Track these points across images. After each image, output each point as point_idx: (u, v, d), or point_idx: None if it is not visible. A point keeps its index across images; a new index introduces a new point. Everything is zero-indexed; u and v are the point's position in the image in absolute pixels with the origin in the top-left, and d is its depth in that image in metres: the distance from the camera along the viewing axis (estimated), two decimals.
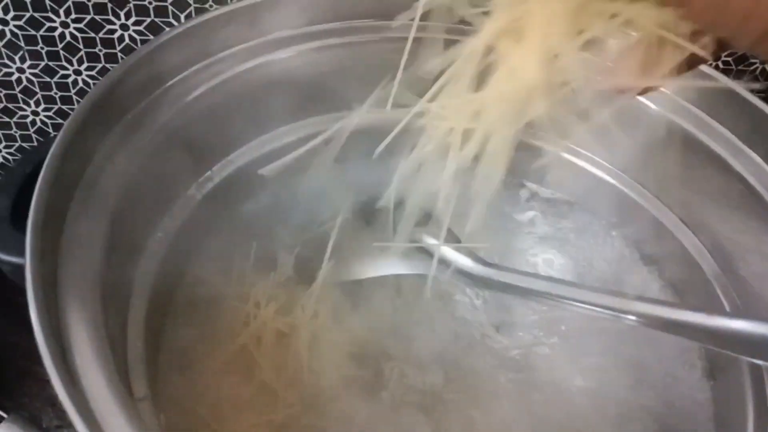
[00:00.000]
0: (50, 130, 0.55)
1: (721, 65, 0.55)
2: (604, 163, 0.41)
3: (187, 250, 0.35)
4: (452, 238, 0.36)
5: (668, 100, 0.37)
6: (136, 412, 0.24)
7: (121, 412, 0.23)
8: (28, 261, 0.25)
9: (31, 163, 0.46)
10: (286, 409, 0.32)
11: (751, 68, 0.56)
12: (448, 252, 0.35)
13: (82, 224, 0.28)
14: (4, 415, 0.39)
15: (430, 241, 0.36)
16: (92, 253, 0.28)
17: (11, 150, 0.57)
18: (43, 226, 0.25)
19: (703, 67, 0.36)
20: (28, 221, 0.26)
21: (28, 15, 0.48)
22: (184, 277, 0.35)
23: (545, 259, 0.39)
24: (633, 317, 0.31)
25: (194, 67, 0.35)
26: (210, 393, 0.31)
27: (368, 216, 0.38)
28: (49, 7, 0.47)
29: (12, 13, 0.47)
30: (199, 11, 0.48)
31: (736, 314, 0.33)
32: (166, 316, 0.33)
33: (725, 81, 0.35)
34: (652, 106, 0.37)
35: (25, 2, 0.47)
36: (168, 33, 0.33)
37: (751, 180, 0.34)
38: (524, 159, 0.42)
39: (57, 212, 0.27)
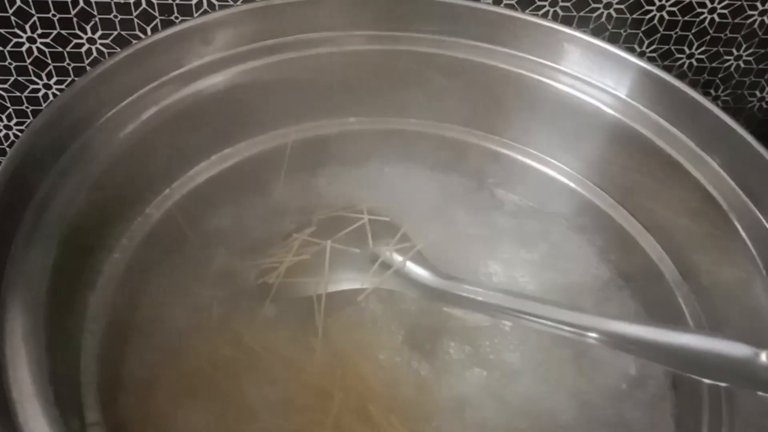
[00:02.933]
0: None
1: (695, 63, 0.54)
2: (568, 169, 0.40)
3: (146, 270, 0.35)
4: (410, 248, 0.36)
5: (627, 107, 0.37)
6: None
7: None
8: None
9: None
10: None
11: (725, 65, 0.55)
12: (406, 264, 0.35)
13: (29, 253, 0.28)
14: None
15: (387, 253, 0.36)
16: (38, 281, 0.28)
17: None
18: None
19: (662, 73, 0.36)
20: None
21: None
22: (144, 298, 0.35)
23: (508, 268, 0.39)
24: (594, 335, 0.30)
25: (147, 87, 0.35)
26: (167, 417, 0.31)
27: (334, 229, 0.38)
28: (14, 23, 0.47)
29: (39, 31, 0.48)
30: (165, 23, 0.48)
31: (697, 330, 0.33)
32: (124, 339, 0.33)
33: (684, 87, 0.35)
34: (611, 112, 0.37)
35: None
36: (115, 56, 0.33)
37: (709, 187, 0.34)
38: (490, 165, 0.43)
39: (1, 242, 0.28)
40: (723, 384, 0.29)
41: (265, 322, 0.35)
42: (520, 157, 0.42)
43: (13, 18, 0.47)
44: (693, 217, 0.35)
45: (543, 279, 0.39)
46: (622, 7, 0.50)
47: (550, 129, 0.40)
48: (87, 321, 0.31)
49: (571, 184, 0.40)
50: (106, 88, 0.33)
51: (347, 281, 0.36)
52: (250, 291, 0.36)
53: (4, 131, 0.54)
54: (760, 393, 0.26)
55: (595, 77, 0.38)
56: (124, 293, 0.33)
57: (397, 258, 0.36)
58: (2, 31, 0.48)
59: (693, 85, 0.56)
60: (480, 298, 0.33)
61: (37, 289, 0.27)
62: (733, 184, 0.33)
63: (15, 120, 0.54)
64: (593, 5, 0.50)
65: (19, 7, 0.46)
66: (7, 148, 0.56)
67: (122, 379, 0.32)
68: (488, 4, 0.43)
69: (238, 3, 0.47)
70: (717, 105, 0.57)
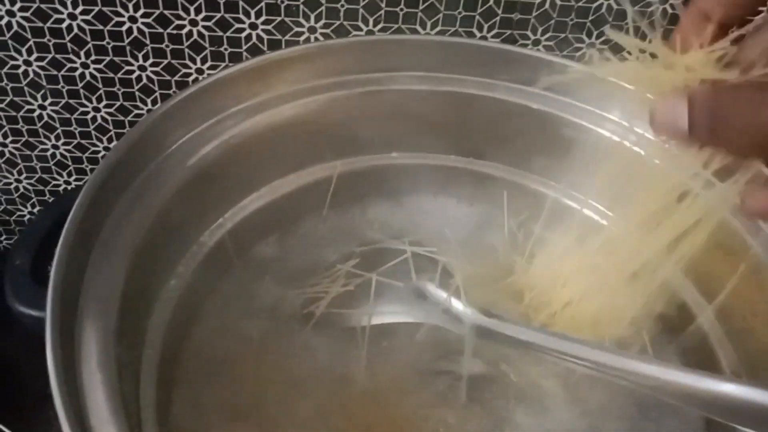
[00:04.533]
0: (69, 163, 0.57)
1: None
2: (602, 209, 0.42)
3: (198, 296, 0.37)
4: (453, 283, 0.37)
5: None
6: None
7: None
8: (48, 317, 0.26)
9: (50, 218, 0.48)
10: None
11: None
12: (450, 299, 0.36)
13: (100, 278, 0.29)
14: None
15: (431, 288, 0.37)
16: (109, 307, 0.29)
17: (32, 181, 0.59)
18: (64, 281, 0.27)
19: None
20: (50, 278, 0.27)
21: (50, 56, 0.50)
22: (197, 324, 0.36)
23: None
24: (634, 380, 0.31)
25: (206, 124, 0.36)
26: None
27: (377, 260, 0.39)
28: (70, 49, 0.49)
29: (35, 54, 0.49)
30: (215, 54, 0.50)
31: (734, 379, 0.34)
32: (178, 365, 0.35)
33: None
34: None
35: (47, 45, 0.49)
36: (181, 93, 0.35)
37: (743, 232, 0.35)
38: (527, 202, 0.44)
39: (77, 268, 0.29)
40: None
41: (309, 351, 0.36)
42: (558, 196, 0.43)
43: (69, 44, 0.49)
44: (728, 259, 0.36)
45: None
46: (605, 47, 0.51)
47: (589, 171, 0.41)
48: (146, 347, 0.32)
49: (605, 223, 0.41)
50: (172, 123, 0.35)
51: (390, 314, 0.37)
52: (296, 320, 0.37)
53: (51, 150, 0.56)
54: None
55: None
56: (179, 319, 0.35)
57: (441, 293, 0.37)
58: (58, 56, 0.50)
59: None
60: (523, 338, 0.34)
61: (108, 316, 0.29)
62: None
63: (62, 140, 0.55)
64: (576, 45, 0.51)
65: (16, 32, 0.48)
66: (54, 167, 0.58)
67: (174, 403, 0.33)
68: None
69: (301, 40, 0.49)
70: None
